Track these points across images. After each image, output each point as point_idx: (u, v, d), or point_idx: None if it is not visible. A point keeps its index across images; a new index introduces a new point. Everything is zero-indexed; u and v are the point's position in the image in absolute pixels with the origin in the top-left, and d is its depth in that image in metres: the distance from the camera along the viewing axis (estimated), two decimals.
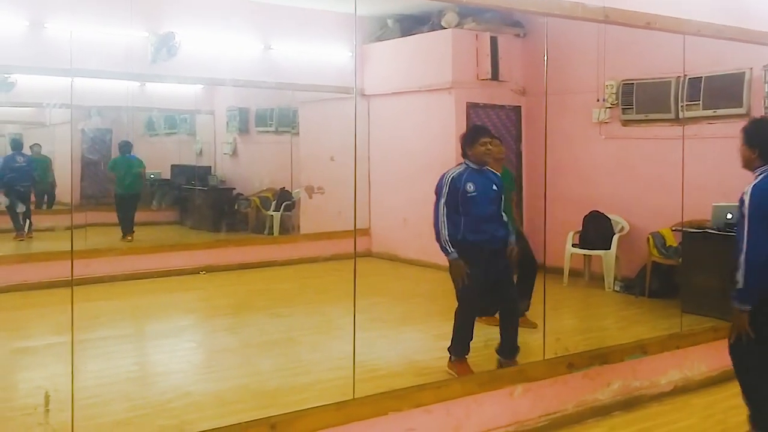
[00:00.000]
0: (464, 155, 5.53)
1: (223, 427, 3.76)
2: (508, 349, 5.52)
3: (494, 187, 5.46)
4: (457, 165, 5.56)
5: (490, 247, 5.37)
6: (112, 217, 11.13)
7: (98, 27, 8.78)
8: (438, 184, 5.43)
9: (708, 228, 7.29)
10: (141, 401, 4.95)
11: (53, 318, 6.97)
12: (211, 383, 5.39)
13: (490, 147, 5.46)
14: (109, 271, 8.93)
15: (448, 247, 5.27)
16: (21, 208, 10.49)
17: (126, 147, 11.28)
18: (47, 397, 4.72)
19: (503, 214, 5.54)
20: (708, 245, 7.17)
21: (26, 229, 10.41)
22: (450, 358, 5.56)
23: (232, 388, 5.20)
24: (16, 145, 10.67)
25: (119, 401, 4.94)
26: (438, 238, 5.33)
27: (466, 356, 5.51)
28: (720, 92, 7.92)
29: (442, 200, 5.35)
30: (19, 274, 8.49)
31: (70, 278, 3.97)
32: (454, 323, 5.51)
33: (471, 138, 5.49)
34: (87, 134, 11.46)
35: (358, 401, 4.16)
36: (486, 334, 6.73)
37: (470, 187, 5.33)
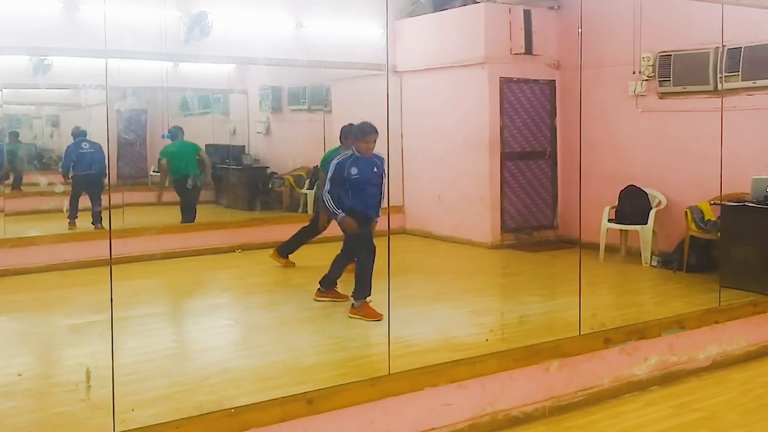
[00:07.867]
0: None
1: (261, 402, 3.80)
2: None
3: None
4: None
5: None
6: (148, 196, 11.23)
7: (132, 7, 8.81)
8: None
9: (747, 201, 7.18)
10: (180, 377, 5.01)
11: (93, 296, 7.08)
12: (248, 359, 5.45)
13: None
14: (146, 250, 9.04)
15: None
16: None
17: (177, 132, 10.78)
18: (88, 374, 4.81)
19: None
20: (747, 219, 7.06)
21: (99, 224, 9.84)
22: (321, 289, 6.92)
23: (269, 365, 5.25)
24: (80, 133, 10.34)
25: (159, 377, 5.01)
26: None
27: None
28: (760, 63, 7.76)
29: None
30: (59, 254, 8.63)
31: (108, 257, 4.01)
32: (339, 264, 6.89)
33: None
34: (122, 115, 11.56)
35: (393, 377, 4.18)
36: (520, 311, 6.74)
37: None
